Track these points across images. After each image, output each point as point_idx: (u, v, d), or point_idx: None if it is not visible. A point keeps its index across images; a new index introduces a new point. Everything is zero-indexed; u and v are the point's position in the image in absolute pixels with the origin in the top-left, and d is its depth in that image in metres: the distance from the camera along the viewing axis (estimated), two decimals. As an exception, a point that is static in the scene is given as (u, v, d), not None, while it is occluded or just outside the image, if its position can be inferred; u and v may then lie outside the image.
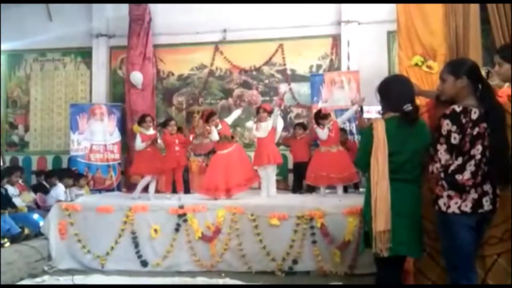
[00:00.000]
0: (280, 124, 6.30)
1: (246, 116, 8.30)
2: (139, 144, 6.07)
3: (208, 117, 5.95)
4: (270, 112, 6.17)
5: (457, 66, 2.94)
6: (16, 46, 9.18)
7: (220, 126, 5.92)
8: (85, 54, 9.21)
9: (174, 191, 6.47)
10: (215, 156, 6.02)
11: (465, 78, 2.84)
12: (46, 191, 7.15)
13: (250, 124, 6.29)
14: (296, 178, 7.13)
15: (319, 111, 6.37)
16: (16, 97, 9.47)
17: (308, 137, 7.00)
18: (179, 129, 7.67)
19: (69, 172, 7.56)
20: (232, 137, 6.01)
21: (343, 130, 6.78)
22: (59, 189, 7.00)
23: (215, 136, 5.88)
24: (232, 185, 5.70)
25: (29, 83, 9.45)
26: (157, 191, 6.63)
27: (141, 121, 6.22)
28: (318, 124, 6.20)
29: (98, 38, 9.02)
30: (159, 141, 6.19)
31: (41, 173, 8.01)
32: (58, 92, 9.34)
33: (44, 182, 7.45)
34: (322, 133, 6.11)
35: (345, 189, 6.48)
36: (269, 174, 6.14)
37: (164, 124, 6.39)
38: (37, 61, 9.46)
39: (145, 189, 6.15)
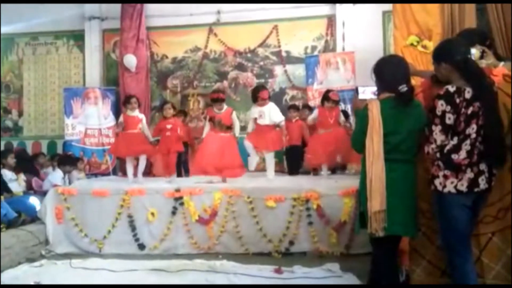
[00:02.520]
0: (278, 115, 6.02)
1: (242, 99, 8.31)
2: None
3: (214, 101, 5.90)
4: (268, 98, 6.09)
5: (435, 53, 3.00)
6: (8, 30, 9.06)
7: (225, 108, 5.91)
8: (78, 37, 9.11)
9: (179, 174, 6.53)
10: (207, 136, 5.92)
11: (443, 64, 2.88)
12: (35, 174, 7.13)
13: (254, 113, 6.02)
14: (289, 162, 7.10)
15: (327, 92, 6.28)
16: (9, 82, 9.39)
17: (301, 121, 6.96)
18: (181, 112, 7.67)
19: (69, 159, 7.53)
20: (228, 127, 5.88)
21: (344, 112, 6.71)
22: (56, 174, 6.98)
23: (206, 132, 5.89)
24: (212, 166, 5.64)
25: (22, 68, 9.36)
26: (153, 175, 6.66)
27: (126, 102, 6.14)
28: (323, 104, 6.17)
29: (91, 20, 8.91)
30: (143, 123, 6.15)
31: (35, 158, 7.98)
32: (51, 76, 9.27)
33: (37, 166, 7.44)
34: (312, 116, 6.31)
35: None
36: (267, 159, 6.09)
37: (161, 108, 6.38)
38: (29, 45, 9.36)
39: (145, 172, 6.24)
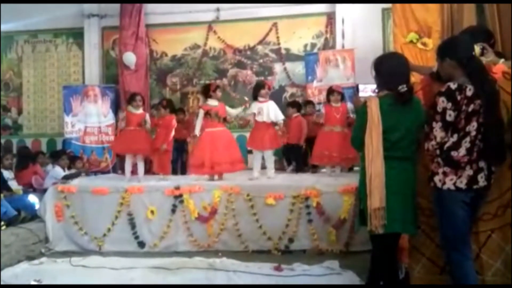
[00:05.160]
0: (277, 114, 5.94)
1: (241, 97, 8.29)
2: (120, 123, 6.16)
3: (214, 89, 5.83)
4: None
5: (440, 49, 2.99)
6: (7, 28, 9.03)
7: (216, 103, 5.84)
8: (77, 35, 9.10)
9: (175, 172, 6.52)
10: (202, 133, 5.84)
11: (448, 60, 2.87)
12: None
13: (253, 109, 5.92)
14: (288, 160, 7.07)
15: (330, 88, 6.27)
16: (8, 80, 9.38)
17: (300, 118, 6.95)
18: (179, 110, 7.66)
19: (63, 154, 7.52)
20: (224, 119, 5.87)
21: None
22: (56, 170, 6.96)
23: (199, 127, 5.81)
24: (216, 163, 5.61)
25: (21, 65, 9.35)
26: (152, 172, 6.65)
27: (131, 99, 6.18)
28: (328, 100, 6.15)
29: (90, 18, 8.90)
30: (147, 122, 6.13)
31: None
32: (51, 74, 9.26)
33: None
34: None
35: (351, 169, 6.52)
36: (266, 157, 6.03)
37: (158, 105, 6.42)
38: (28, 42, 9.35)
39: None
